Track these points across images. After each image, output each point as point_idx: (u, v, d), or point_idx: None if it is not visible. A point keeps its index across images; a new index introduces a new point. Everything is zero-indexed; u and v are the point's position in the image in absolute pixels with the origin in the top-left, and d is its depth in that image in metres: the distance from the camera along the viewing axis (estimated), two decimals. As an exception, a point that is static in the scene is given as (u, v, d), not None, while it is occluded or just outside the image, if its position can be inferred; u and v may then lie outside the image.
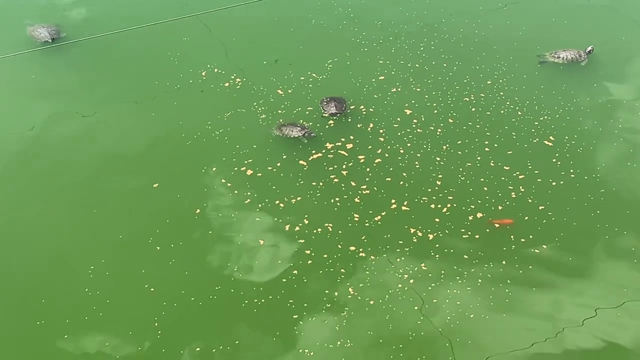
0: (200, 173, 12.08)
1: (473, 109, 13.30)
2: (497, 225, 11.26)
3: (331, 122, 12.92)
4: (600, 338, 10.02)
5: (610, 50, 14.57)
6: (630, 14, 15.40)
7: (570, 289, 10.58)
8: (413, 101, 13.39)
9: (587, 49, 14.30)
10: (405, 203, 11.58)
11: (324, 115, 12.97)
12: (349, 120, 13.00)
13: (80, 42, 14.05)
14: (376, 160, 12.27)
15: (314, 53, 14.45)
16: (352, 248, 10.97)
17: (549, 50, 14.35)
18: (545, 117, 13.15)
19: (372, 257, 10.86)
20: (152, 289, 10.48)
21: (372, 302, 10.31)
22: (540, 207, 11.53)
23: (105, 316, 10.17)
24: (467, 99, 13.50)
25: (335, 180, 11.96)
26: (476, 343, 9.89)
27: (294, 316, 10.13)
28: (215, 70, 14.01)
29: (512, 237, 11.14)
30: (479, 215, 11.42)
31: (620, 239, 11.17)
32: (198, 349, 9.82)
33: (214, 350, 9.81)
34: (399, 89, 13.66)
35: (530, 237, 11.13)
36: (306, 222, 11.33)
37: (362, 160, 12.26)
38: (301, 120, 12.85)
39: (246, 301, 10.34)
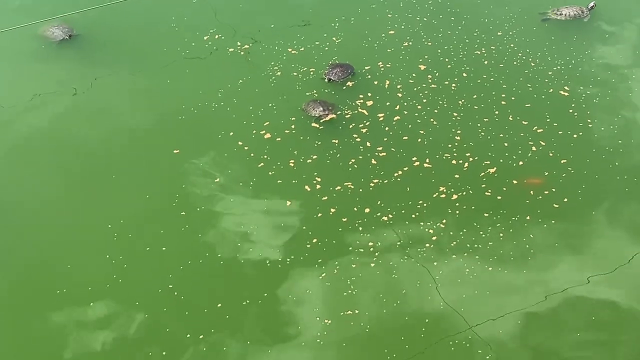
0: (217, 139, 11.94)
1: (486, 62, 13.18)
2: (530, 182, 11.22)
3: (349, 83, 12.78)
4: (625, 293, 9.95)
5: (619, 3, 14.49)
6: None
7: (592, 242, 10.52)
8: (426, 56, 13.25)
9: (589, 5, 14.16)
10: (427, 160, 11.50)
11: (322, 78, 12.85)
12: (368, 77, 12.86)
13: (77, 18, 13.81)
14: (395, 118, 12.16)
15: (323, 13, 14.27)
16: (367, 210, 10.87)
17: (552, 7, 14.21)
18: (559, 67, 13.06)
19: (391, 216, 10.77)
20: (171, 253, 10.40)
21: (391, 264, 10.22)
22: (562, 161, 11.47)
23: (125, 282, 10.08)
24: (479, 52, 13.36)
25: (358, 139, 11.86)
26: (494, 299, 9.82)
27: (320, 276, 10.07)
28: (217, 36, 13.82)
29: (531, 192, 11.08)
30: (501, 171, 11.34)
31: (641, 190, 11.18)
32: (219, 305, 9.77)
33: (236, 307, 9.79)
34: (411, 43, 13.52)
35: (553, 190, 11.07)
36: (327, 181, 11.25)
37: (381, 119, 12.16)
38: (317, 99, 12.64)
39: (268, 262, 10.27)
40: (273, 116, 12.31)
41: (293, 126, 12.10)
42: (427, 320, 9.57)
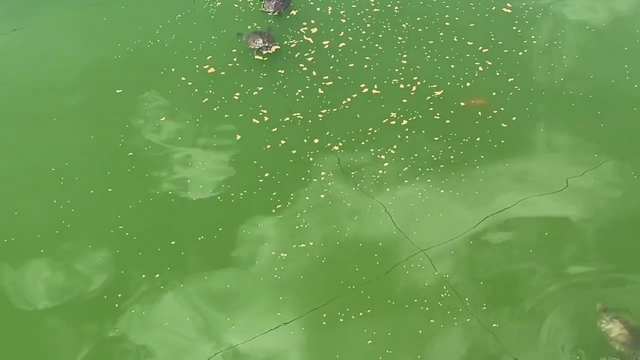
0: (159, 76, 11.65)
1: (427, -19, 13.05)
2: (474, 103, 11.20)
3: (293, 12, 12.52)
4: (576, 209, 10.00)
5: None
6: None
7: (542, 160, 10.55)
8: (366, -22, 13.03)
9: None
10: (374, 86, 11.39)
11: (262, 10, 12.58)
12: (310, 4, 12.62)
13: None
14: (340, 45, 11.99)
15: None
16: (316, 141, 10.74)
17: None
18: (501, -16, 13.01)
19: (341, 144, 10.68)
20: (119, 194, 10.18)
21: (343, 192, 10.13)
22: (509, 80, 11.46)
23: (75, 226, 9.84)
24: (419, -28, 13.18)
25: (304, 68, 11.67)
26: (447, 222, 9.80)
27: (273, 210, 9.94)
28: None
29: (479, 113, 11.05)
30: (449, 93, 11.28)
31: (587, 104, 11.18)
32: (173, 242, 9.61)
33: (191, 244, 9.65)
34: (348, -35, 13.28)
35: (502, 109, 11.06)
36: (274, 113, 11.09)
37: (326, 46, 11.97)
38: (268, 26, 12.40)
39: (219, 198, 10.12)
40: (215, 50, 12.04)
41: (236, 59, 11.86)
42: (380, 244, 9.53)
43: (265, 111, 11.11)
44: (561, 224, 9.77)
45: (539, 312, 8.82)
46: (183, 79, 11.56)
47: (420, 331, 8.69)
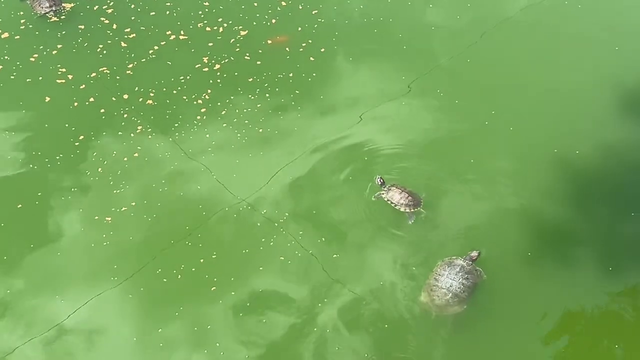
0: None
1: None
2: (278, 39, 11.22)
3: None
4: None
5: None
6: None
7: (355, 86, 10.77)
8: None
9: None
10: (181, 32, 11.16)
11: None
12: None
13: None
14: (140, -9, 11.66)
15: None
16: (126, 96, 10.44)
17: None
18: None
19: (152, 95, 10.42)
20: None
21: (159, 145, 9.92)
22: (313, 12, 11.56)
23: None
24: None
25: (106, 21, 11.23)
26: (268, 159, 9.85)
27: (87, 172, 9.57)
28: None
29: (287, 49, 11.11)
30: (255, 32, 11.25)
31: (388, 29, 11.50)
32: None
33: (8, 213, 9.23)
34: None
35: (310, 41, 11.18)
36: (78, 71, 10.64)
37: (124, -4, 11.61)
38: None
39: (32, 165, 9.67)
40: (3, 13, 11.33)
41: (29, 20, 11.19)
42: (204, 193, 9.45)
43: (64, 70, 10.64)
44: (373, 146, 10.06)
45: (367, 240, 9.10)
46: (-26, 48, 10.84)
47: (260, 268, 8.80)
